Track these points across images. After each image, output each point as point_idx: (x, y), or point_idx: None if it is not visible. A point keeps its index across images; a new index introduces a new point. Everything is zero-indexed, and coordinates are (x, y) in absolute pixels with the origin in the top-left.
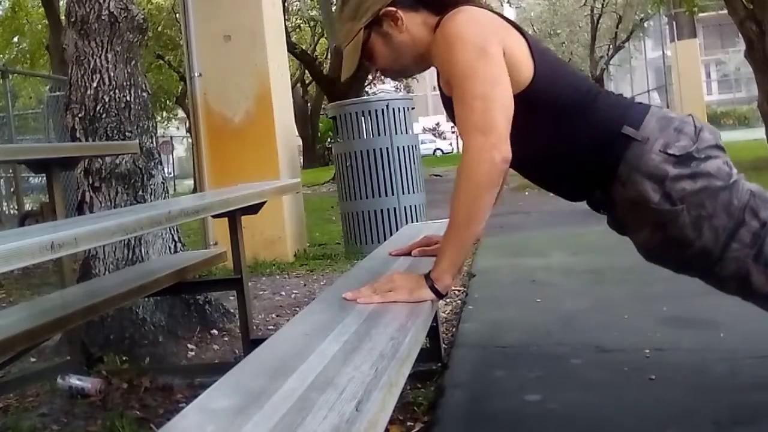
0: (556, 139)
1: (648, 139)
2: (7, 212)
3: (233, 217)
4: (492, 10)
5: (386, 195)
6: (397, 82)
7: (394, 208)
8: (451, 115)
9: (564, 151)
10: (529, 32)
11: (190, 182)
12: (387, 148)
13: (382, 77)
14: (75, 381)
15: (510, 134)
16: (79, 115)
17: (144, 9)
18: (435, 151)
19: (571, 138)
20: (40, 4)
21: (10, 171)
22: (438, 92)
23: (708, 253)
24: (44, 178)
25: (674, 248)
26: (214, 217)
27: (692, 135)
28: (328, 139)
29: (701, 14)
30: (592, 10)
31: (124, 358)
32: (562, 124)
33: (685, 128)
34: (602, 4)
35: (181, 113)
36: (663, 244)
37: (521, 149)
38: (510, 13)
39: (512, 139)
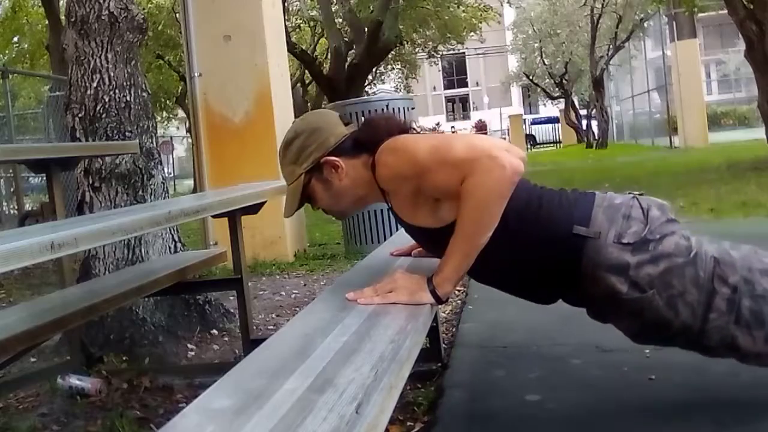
0: (514, 252)
1: (600, 233)
2: (7, 212)
3: (233, 217)
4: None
5: None
6: (396, 83)
7: None
8: (425, 244)
9: (524, 263)
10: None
11: (190, 182)
12: None
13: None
14: (75, 381)
15: None
16: (79, 115)
17: (144, 9)
18: None
19: (527, 249)
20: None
21: (10, 171)
22: (437, 92)
23: (689, 328)
24: (44, 178)
25: (656, 330)
26: (214, 217)
27: (641, 218)
28: None
29: (701, 14)
30: (592, 10)
31: (124, 358)
32: (515, 238)
33: (633, 212)
34: (602, 4)
35: (181, 113)
36: (644, 329)
37: (485, 268)
38: (510, 13)
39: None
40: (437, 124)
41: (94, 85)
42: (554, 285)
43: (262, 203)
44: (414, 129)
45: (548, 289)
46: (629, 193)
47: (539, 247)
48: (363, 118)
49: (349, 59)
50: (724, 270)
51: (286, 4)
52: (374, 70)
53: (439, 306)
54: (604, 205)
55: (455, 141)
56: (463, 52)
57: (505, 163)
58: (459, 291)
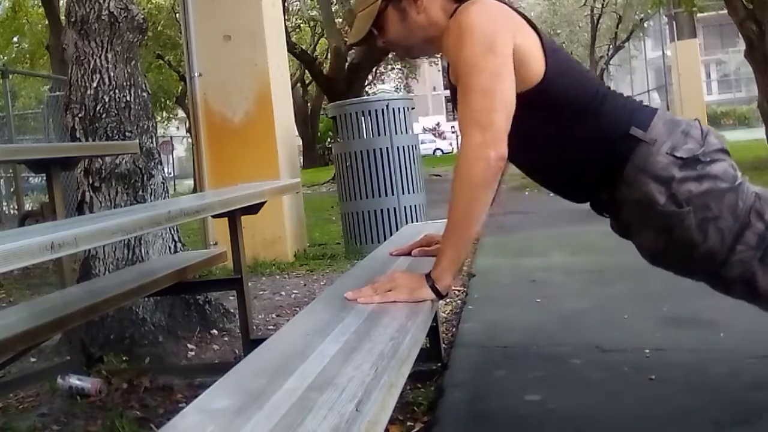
0: (563, 138)
1: (655, 141)
2: (7, 212)
3: (233, 217)
4: (509, 5)
5: (386, 195)
6: (396, 83)
7: (394, 208)
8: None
9: (570, 151)
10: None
11: (190, 182)
12: (387, 148)
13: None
14: (75, 381)
15: (515, 132)
16: (79, 115)
17: (144, 9)
18: (435, 151)
19: (578, 138)
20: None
21: (10, 171)
22: (437, 92)
23: (713, 256)
24: (44, 178)
25: (680, 251)
26: (214, 217)
27: (699, 139)
28: (328, 139)
29: (701, 14)
30: (592, 10)
31: (124, 358)
32: (570, 124)
33: (692, 132)
34: (602, 4)
35: (181, 113)
36: (668, 247)
37: (526, 148)
38: None
39: (517, 138)
40: (437, 124)
41: (94, 85)
42: (594, 182)
43: (262, 203)
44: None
45: (585, 185)
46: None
47: (592, 139)
48: (362, 118)
49: (349, 59)
50: (763, 206)
51: (286, 4)
52: (374, 70)
53: (440, 305)
54: (666, 117)
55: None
56: None
57: (491, 154)
58: (459, 291)
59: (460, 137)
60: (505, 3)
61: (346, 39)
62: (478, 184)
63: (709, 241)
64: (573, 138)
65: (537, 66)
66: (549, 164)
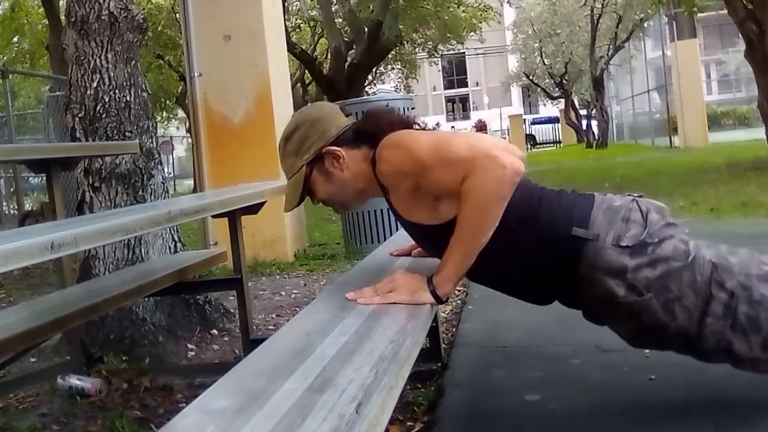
0: (512, 253)
1: (599, 235)
2: (7, 212)
3: (233, 217)
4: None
5: None
6: (396, 83)
7: None
8: (423, 241)
9: (522, 263)
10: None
11: (190, 182)
12: None
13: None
14: (75, 381)
15: None
16: (79, 115)
17: (144, 9)
18: None
19: (525, 248)
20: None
21: (10, 171)
22: (437, 92)
23: (686, 332)
24: (44, 178)
25: (652, 333)
26: (214, 217)
27: (640, 221)
28: None
29: (701, 14)
30: (592, 10)
31: (124, 358)
32: (514, 237)
33: (633, 215)
34: (602, 4)
35: (181, 113)
36: (641, 332)
37: (482, 267)
38: (510, 13)
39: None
40: (437, 124)
41: (94, 85)
42: (552, 286)
43: (262, 203)
44: (416, 124)
45: (545, 289)
46: (629, 195)
47: (538, 247)
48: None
49: (349, 59)
50: (721, 275)
51: (286, 4)
52: (374, 70)
53: (439, 306)
54: (603, 207)
55: (456, 139)
56: (463, 52)
57: (506, 163)
58: (459, 291)
59: (466, 185)
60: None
61: (346, 39)
62: (491, 195)
63: (677, 320)
64: (521, 248)
65: None
66: (506, 277)
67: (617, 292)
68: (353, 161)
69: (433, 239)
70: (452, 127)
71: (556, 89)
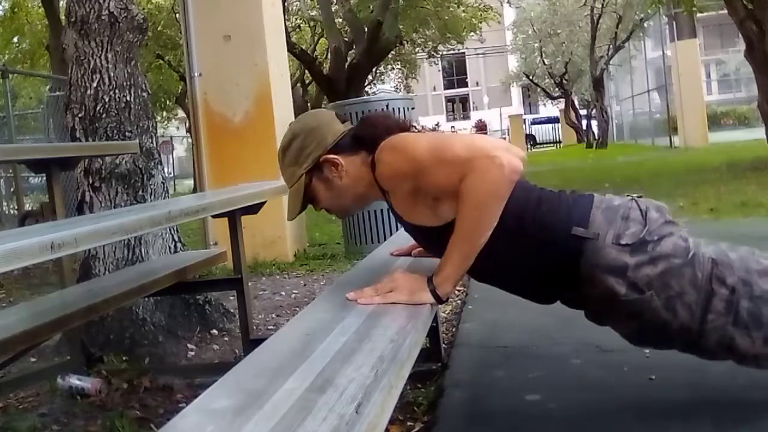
0: (512, 253)
1: (598, 234)
2: (7, 212)
3: (233, 217)
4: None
5: None
6: (396, 83)
7: None
8: (425, 243)
9: (522, 263)
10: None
11: (190, 182)
12: None
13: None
14: (75, 381)
15: None
16: (79, 115)
17: (144, 9)
18: None
19: (526, 250)
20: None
21: (10, 171)
22: (437, 92)
23: (688, 330)
24: (44, 178)
25: (654, 332)
26: (214, 217)
27: (640, 219)
28: None
29: (701, 14)
30: (592, 10)
31: (124, 358)
32: (513, 238)
33: (632, 214)
34: (602, 4)
35: (181, 113)
36: (643, 331)
37: (484, 267)
38: (510, 13)
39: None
40: (437, 124)
41: (94, 85)
42: (553, 285)
43: (262, 203)
44: (414, 127)
45: (547, 289)
46: (628, 196)
47: (538, 247)
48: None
49: (349, 59)
50: (722, 271)
51: (286, 4)
52: (374, 70)
53: (439, 306)
54: (602, 206)
55: (454, 140)
56: (463, 52)
57: (504, 163)
58: (459, 291)
59: (464, 185)
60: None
61: (346, 39)
62: (489, 195)
63: (679, 317)
64: (520, 248)
65: None
66: (507, 277)
67: (618, 290)
68: (352, 167)
69: (434, 240)
70: (452, 127)
71: (556, 89)
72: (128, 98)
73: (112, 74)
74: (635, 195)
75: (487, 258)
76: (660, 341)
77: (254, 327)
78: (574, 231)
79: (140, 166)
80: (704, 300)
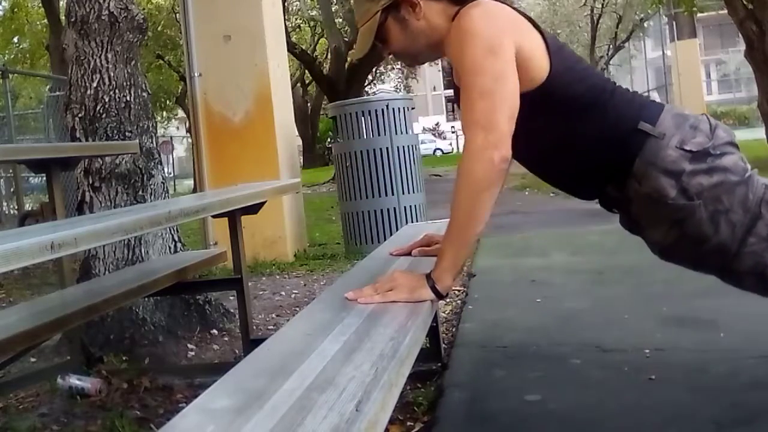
0: (571, 135)
1: (664, 135)
2: (7, 212)
3: (233, 217)
4: (512, 5)
5: (386, 195)
6: (396, 83)
7: (394, 208)
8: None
9: (578, 148)
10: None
11: (190, 182)
12: (387, 148)
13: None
14: (75, 381)
15: (522, 131)
16: (79, 115)
17: (144, 9)
18: (435, 151)
19: (586, 135)
20: (40, 4)
21: (10, 171)
22: (437, 92)
23: (725, 249)
24: (44, 178)
25: (691, 245)
26: (214, 217)
27: (708, 132)
28: (328, 139)
29: (701, 14)
30: (592, 10)
31: (124, 358)
32: (577, 121)
33: (701, 125)
34: (602, 4)
35: (181, 113)
36: (679, 241)
37: (534, 146)
38: None
39: (524, 137)
40: (437, 124)
41: (94, 85)
42: (603, 177)
43: (262, 203)
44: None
45: (595, 180)
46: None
47: (601, 133)
48: (362, 118)
49: (349, 59)
50: None
51: (286, 4)
52: (374, 70)
53: (440, 305)
54: (674, 111)
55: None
56: None
57: (494, 156)
58: (459, 291)
59: (463, 139)
60: (507, 3)
61: (346, 39)
62: (481, 185)
63: (720, 233)
64: (581, 134)
65: (541, 65)
66: (557, 162)
67: (668, 192)
68: (431, 13)
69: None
70: (452, 127)
71: None
72: (128, 98)
73: (112, 74)
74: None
75: (546, 137)
76: (693, 257)
77: (254, 327)
78: (641, 126)
79: (140, 166)
80: (750, 221)
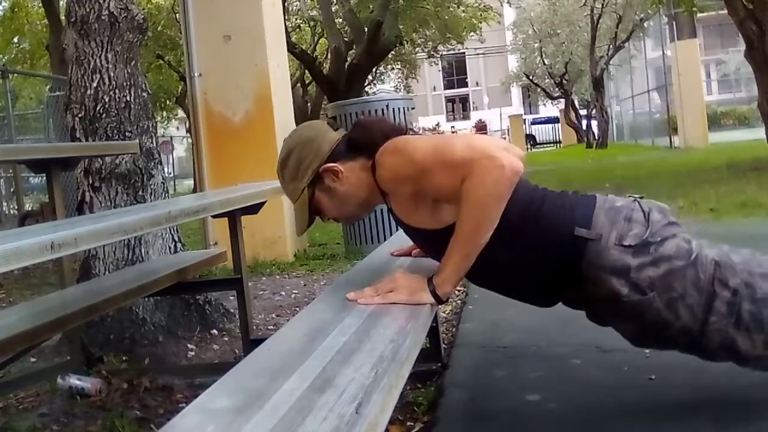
0: (516, 255)
1: (601, 235)
2: (7, 212)
3: (233, 217)
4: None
5: None
6: (396, 83)
7: None
8: (424, 245)
9: (524, 264)
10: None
11: (190, 182)
12: None
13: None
14: (75, 381)
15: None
16: (79, 115)
17: (144, 9)
18: None
19: (528, 251)
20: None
21: (10, 171)
22: (437, 92)
23: (689, 331)
24: (44, 178)
25: (656, 332)
26: (214, 217)
27: (642, 221)
28: None
29: (701, 14)
30: (592, 10)
31: (124, 358)
32: (514, 236)
33: (634, 215)
34: (602, 4)
35: (181, 113)
36: (645, 331)
37: (489, 270)
38: (510, 13)
39: (479, 262)
40: (437, 124)
41: (94, 85)
42: (554, 287)
43: (262, 203)
44: (411, 130)
45: (548, 291)
46: (630, 197)
47: (540, 248)
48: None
49: (349, 59)
50: (724, 273)
51: (286, 4)
52: (374, 70)
53: (439, 306)
54: (605, 207)
55: (454, 141)
56: (463, 52)
57: (504, 163)
58: (459, 291)
59: (466, 186)
60: None
61: (346, 39)
62: (491, 195)
63: (681, 318)
64: (523, 251)
65: None
66: (511, 279)
67: (621, 291)
68: (352, 173)
69: (434, 244)
70: (452, 127)
71: (556, 89)
72: (128, 98)
73: (112, 74)
74: (637, 196)
75: (488, 261)
76: (662, 342)
77: (254, 327)
78: (577, 232)
79: (140, 166)
80: (706, 302)
